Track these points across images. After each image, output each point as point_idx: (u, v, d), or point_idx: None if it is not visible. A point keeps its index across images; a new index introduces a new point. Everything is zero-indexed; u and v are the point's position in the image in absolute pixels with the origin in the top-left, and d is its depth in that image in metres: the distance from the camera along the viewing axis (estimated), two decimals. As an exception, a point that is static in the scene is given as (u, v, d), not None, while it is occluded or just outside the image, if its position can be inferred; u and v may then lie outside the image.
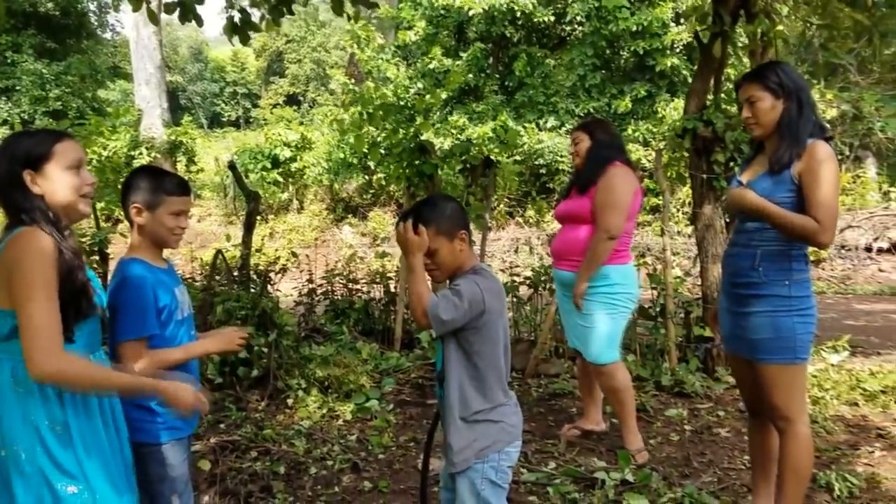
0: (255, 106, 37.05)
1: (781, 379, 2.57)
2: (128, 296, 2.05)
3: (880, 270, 12.04)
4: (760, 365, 2.60)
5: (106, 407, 1.89)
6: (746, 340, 2.64)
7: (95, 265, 6.06)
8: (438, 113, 14.90)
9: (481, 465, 2.12)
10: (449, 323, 2.05)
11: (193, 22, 4.49)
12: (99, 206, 6.47)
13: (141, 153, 15.89)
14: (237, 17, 4.39)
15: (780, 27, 4.97)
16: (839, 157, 13.56)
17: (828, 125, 2.54)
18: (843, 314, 8.30)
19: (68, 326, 1.75)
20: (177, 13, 4.22)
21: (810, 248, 2.62)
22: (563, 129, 15.20)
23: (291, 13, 4.70)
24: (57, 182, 1.82)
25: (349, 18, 4.77)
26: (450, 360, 2.15)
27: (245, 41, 4.51)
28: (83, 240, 5.97)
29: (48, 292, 1.68)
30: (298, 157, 16.63)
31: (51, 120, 16.97)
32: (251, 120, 36.14)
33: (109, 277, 6.14)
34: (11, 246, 1.72)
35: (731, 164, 5.01)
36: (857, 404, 4.44)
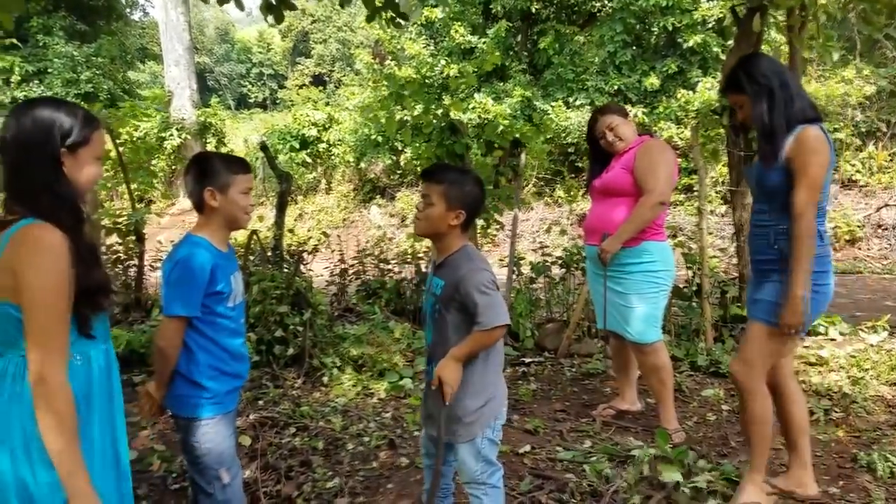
0: (282, 87, 37.10)
1: (758, 336, 2.67)
2: (184, 273, 2.07)
3: (918, 250, 11.77)
4: (751, 321, 2.71)
5: (105, 414, 1.75)
6: (756, 301, 2.71)
7: (132, 246, 6.15)
8: (465, 92, 14.78)
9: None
10: (504, 313, 2.15)
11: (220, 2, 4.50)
12: (133, 186, 6.54)
13: (171, 134, 16.02)
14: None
15: (822, 1, 4.83)
16: (876, 133, 13.27)
17: (815, 104, 2.55)
18: (882, 294, 8.15)
19: (86, 322, 1.64)
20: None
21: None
22: (591, 106, 15.01)
23: None
24: (84, 172, 1.67)
25: (383, 19, 4.75)
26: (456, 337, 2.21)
27: (280, 20, 4.51)
28: (119, 220, 6.06)
29: (60, 295, 1.54)
30: (325, 138, 16.66)
31: (83, 102, 17.12)
32: (278, 101, 36.20)
33: (145, 258, 6.17)
34: (21, 242, 1.52)
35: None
36: (897, 385, 4.38)
